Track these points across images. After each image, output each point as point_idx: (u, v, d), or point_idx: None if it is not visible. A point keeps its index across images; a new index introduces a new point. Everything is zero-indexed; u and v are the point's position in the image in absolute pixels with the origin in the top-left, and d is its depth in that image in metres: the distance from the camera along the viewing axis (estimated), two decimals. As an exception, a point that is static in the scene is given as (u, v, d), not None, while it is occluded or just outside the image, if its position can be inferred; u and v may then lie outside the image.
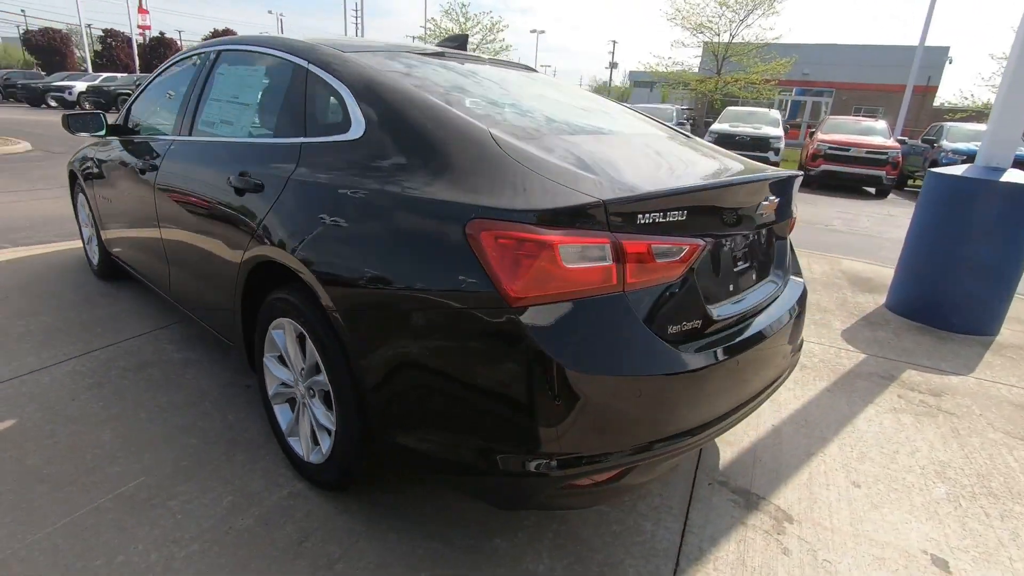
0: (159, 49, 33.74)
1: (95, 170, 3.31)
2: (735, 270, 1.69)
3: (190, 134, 2.44)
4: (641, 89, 43.56)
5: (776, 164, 13.70)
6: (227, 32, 37.42)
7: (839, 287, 4.71)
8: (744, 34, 22.26)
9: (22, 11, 57.02)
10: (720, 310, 1.58)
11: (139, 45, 33.66)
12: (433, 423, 1.42)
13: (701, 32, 22.37)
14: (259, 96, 2.22)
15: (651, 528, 1.85)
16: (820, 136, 13.38)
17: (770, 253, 1.94)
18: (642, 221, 1.29)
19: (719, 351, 1.50)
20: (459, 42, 2.48)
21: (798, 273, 2.17)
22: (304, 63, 1.92)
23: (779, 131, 14.07)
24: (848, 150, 12.69)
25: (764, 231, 1.86)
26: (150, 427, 2.22)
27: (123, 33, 34.61)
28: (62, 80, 24.74)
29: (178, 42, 37.30)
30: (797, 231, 8.12)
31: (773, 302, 1.88)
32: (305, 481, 1.94)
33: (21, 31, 37.93)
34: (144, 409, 2.35)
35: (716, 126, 14.60)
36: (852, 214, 9.57)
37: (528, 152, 1.41)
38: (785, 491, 2.07)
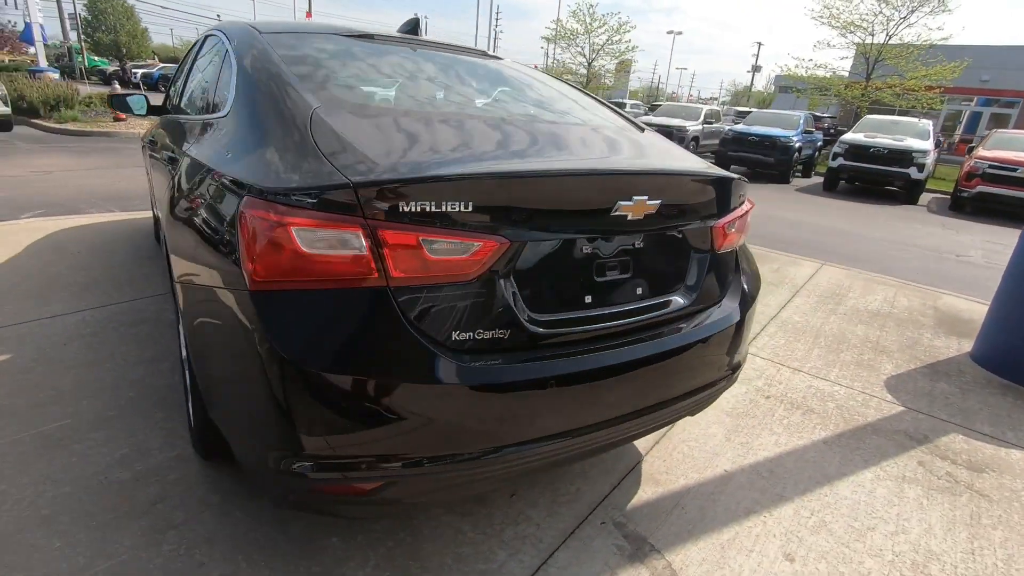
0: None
1: (148, 146, 3.72)
2: (597, 279, 1.45)
3: (178, 113, 2.64)
4: (787, 95, 40.07)
5: (919, 182, 11.90)
6: None
7: (919, 326, 3.96)
8: (904, 34, 19.50)
9: (218, 16, 66.34)
10: (552, 322, 1.37)
11: (300, 45, 37.49)
12: (220, 404, 1.38)
13: (851, 31, 19.96)
14: (204, 76, 2.34)
15: (504, 558, 1.66)
16: (980, 152, 11.39)
17: (676, 266, 1.65)
18: (409, 209, 1.14)
19: (533, 368, 1.30)
20: (411, 27, 2.43)
21: (744, 297, 1.82)
22: (228, 45, 1.98)
23: (926, 144, 12.18)
24: (1016, 170, 10.67)
25: (660, 238, 1.58)
26: (105, 376, 2.44)
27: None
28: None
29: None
30: (911, 257, 7.00)
31: (668, 323, 1.60)
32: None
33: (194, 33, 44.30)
34: (112, 360, 2.58)
35: (848, 135, 13.03)
36: (1002, 245, 8.03)
37: (334, 132, 1.32)
38: (690, 549, 1.76)
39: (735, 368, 1.85)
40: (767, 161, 13.50)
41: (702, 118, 15.93)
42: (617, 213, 1.37)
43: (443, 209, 1.16)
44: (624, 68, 35.49)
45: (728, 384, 1.92)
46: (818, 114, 23.20)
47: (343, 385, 1.14)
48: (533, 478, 2.01)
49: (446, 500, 1.78)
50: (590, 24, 26.10)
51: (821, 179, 13.69)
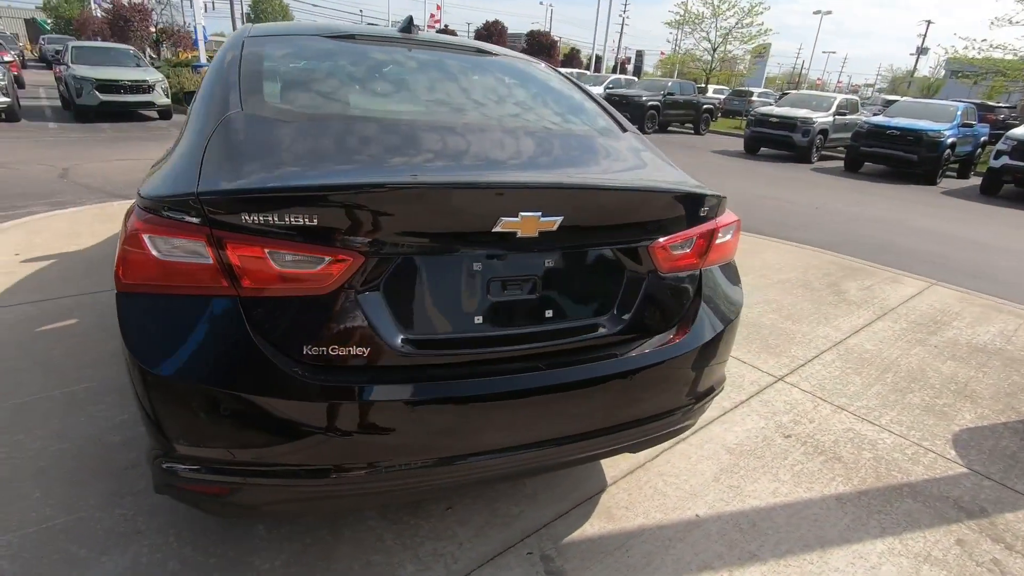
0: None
1: None
2: (492, 299, 1.34)
3: None
4: (958, 82, 34.42)
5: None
6: (496, 24, 41.21)
7: (1035, 369, 3.25)
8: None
9: (360, 11, 71.38)
10: (428, 342, 1.29)
11: (428, 36, 39.31)
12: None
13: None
14: None
15: (410, 572, 1.63)
16: None
17: (604, 288, 1.48)
18: (254, 221, 1.12)
19: (392, 389, 1.24)
20: (404, 25, 2.39)
21: (703, 327, 1.60)
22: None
23: None
24: None
25: (581, 258, 1.43)
26: (63, 361, 2.62)
27: (419, 27, 40.87)
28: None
29: (457, 33, 42.58)
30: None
31: (587, 350, 1.45)
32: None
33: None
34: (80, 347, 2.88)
35: (1018, 131, 10.97)
36: None
37: (227, 139, 1.33)
38: (616, 598, 1.60)
39: (687, 405, 1.64)
40: (909, 159, 11.80)
41: (834, 109, 14.27)
42: (500, 230, 1.25)
43: (288, 221, 1.13)
44: (759, 53, 32.81)
45: (686, 422, 1.71)
46: (992, 103, 19.77)
47: (191, 391, 1.17)
48: (478, 492, 1.95)
49: (319, 512, 1.76)
50: (717, 7, 24.30)
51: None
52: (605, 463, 2.15)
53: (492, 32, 40.62)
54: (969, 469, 2.31)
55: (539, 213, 1.26)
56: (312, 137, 1.40)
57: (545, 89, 2.21)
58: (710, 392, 1.71)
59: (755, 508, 1.99)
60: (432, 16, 40.84)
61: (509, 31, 43.33)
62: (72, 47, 12.64)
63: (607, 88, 19.52)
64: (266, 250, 1.14)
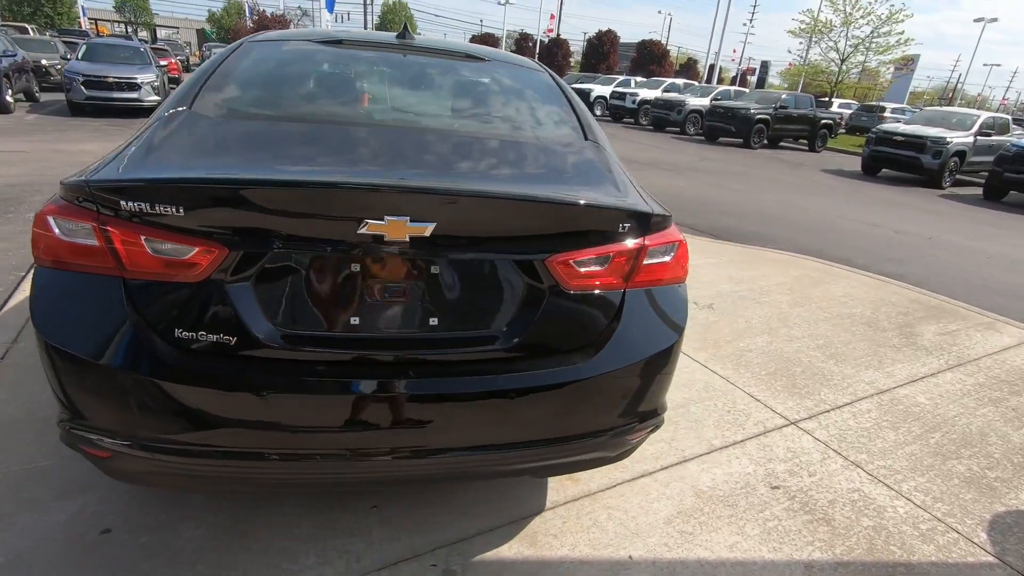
0: (552, 49, 39.47)
1: None
2: (370, 301, 1.33)
3: None
4: None
5: None
6: (609, 33, 40.82)
7: None
8: None
9: (480, 22, 74.03)
10: (298, 337, 1.31)
11: (540, 45, 40.08)
12: None
13: None
14: None
15: (310, 565, 1.66)
16: None
17: (496, 301, 1.40)
18: (131, 209, 1.20)
19: (255, 379, 1.27)
20: (401, 31, 2.41)
21: (618, 353, 1.47)
22: None
23: None
24: None
25: (470, 266, 1.37)
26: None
27: (532, 35, 41.79)
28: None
29: (570, 43, 42.92)
30: None
31: (471, 363, 1.39)
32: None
33: (463, 38, 49.84)
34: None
35: None
36: None
37: (156, 134, 1.45)
38: (504, 627, 1.52)
39: (596, 436, 1.51)
40: (1065, 189, 10.10)
41: (975, 128, 12.55)
42: (366, 232, 1.24)
43: (159, 211, 1.21)
44: (902, 65, 29.68)
45: (599, 454, 1.59)
46: None
47: (76, 362, 1.27)
48: (414, 497, 1.94)
49: (194, 489, 1.79)
50: (850, 14, 22.21)
51: None
52: (553, 486, 2.05)
53: (603, 41, 40.40)
54: (998, 559, 1.93)
55: (407, 218, 1.24)
56: (229, 136, 1.49)
57: (517, 94, 2.16)
58: (630, 426, 1.57)
59: (701, 560, 1.80)
60: (548, 29, 41.53)
61: (622, 40, 42.78)
62: (85, 44, 12.76)
63: (713, 100, 18.63)
64: (142, 237, 1.23)
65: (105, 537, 1.70)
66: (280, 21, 29.25)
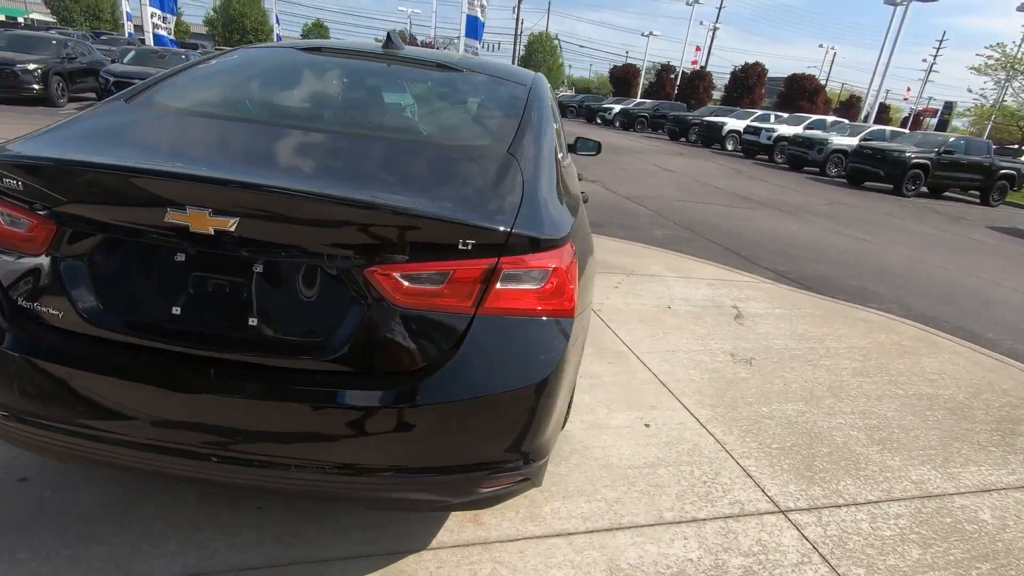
0: (694, 81, 38.18)
1: None
2: (194, 294, 1.30)
3: None
4: None
5: None
6: (756, 65, 38.51)
7: None
8: None
9: (626, 53, 74.31)
10: (119, 322, 1.32)
11: (683, 77, 39.07)
12: None
13: None
14: None
15: (168, 552, 1.66)
16: None
17: (321, 308, 1.30)
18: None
19: (70, 357, 1.30)
20: (386, 40, 2.39)
21: (452, 381, 1.30)
22: None
23: None
24: None
25: (294, 268, 1.29)
26: None
27: (675, 67, 40.85)
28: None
29: (717, 76, 41.36)
30: None
31: (288, 373, 1.31)
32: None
33: (607, 68, 50.17)
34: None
35: None
36: None
37: (78, 117, 1.57)
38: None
39: (417, 474, 1.35)
40: None
41: None
42: (173, 221, 1.22)
43: (5, 185, 1.30)
44: None
45: (437, 499, 1.42)
46: None
47: None
48: (303, 506, 1.88)
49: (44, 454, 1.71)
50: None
51: None
52: (450, 524, 1.87)
53: (749, 74, 38.34)
54: None
55: (208, 211, 1.21)
56: (117, 124, 1.61)
57: (462, 105, 2.08)
58: (472, 472, 1.38)
59: (573, 648, 1.52)
60: (693, 61, 40.55)
61: (772, 74, 40.23)
62: (135, 50, 14.27)
63: (863, 139, 16.74)
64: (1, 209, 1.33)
65: (20, 485, 1.85)
66: (428, 47, 31.75)
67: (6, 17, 42.56)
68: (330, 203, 1.25)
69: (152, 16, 17.64)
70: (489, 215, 1.34)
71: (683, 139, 25.10)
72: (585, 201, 5.33)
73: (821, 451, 2.58)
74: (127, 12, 22.42)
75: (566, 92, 48.78)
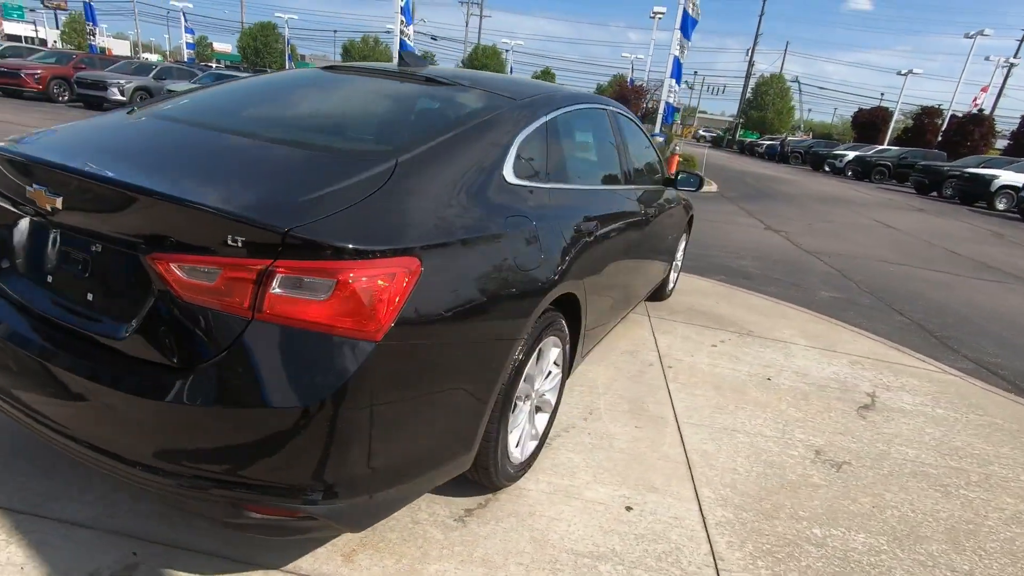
0: (967, 125, 30.85)
1: None
2: (59, 266, 1.45)
3: None
4: None
5: None
6: (879, 110, 30.38)
7: None
8: None
9: (880, 95, 64.80)
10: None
11: (951, 121, 32.31)
12: None
13: None
14: None
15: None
16: None
17: (131, 292, 1.31)
18: None
19: None
20: (399, 58, 2.39)
21: (205, 383, 1.20)
22: None
23: None
24: None
25: (107, 250, 1.35)
26: None
27: (942, 110, 33.91)
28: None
29: (995, 119, 33.04)
30: None
31: (101, 350, 1.35)
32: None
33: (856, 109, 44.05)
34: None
35: None
36: None
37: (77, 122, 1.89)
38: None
39: (185, 479, 1.26)
40: None
41: None
42: (30, 195, 1.39)
43: None
44: None
45: (208, 512, 1.31)
46: None
47: None
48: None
49: None
50: None
51: None
52: (322, 553, 1.73)
53: (876, 118, 32.62)
54: None
55: (45, 188, 1.35)
56: (94, 126, 1.83)
57: (420, 115, 2.07)
58: (237, 490, 1.25)
59: None
60: (974, 100, 33.68)
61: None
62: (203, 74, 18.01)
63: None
64: None
65: None
66: (636, 91, 31.81)
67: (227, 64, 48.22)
68: (118, 189, 1.31)
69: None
70: (273, 213, 1.23)
71: (934, 193, 20.80)
72: (689, 212, 4.68)
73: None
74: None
75: (801, 137, 44.47)
